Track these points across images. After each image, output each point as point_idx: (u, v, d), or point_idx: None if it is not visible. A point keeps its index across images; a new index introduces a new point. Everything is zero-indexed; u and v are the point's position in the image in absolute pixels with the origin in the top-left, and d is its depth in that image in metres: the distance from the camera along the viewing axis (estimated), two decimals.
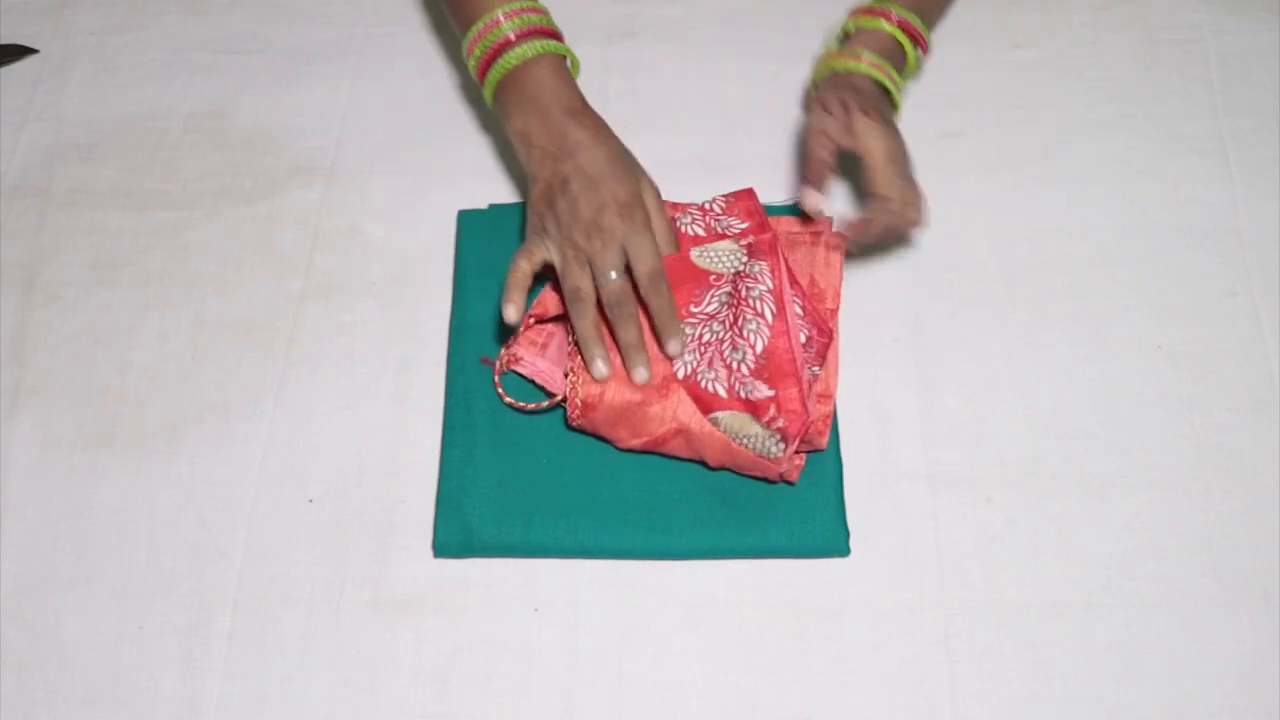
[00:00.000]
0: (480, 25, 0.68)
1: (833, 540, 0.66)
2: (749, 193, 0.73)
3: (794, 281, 0.67)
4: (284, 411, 0.72)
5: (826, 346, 0.66)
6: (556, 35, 0.70)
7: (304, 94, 0.85)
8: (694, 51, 0.86)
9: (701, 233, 0.70)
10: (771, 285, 0.65)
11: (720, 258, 0.68)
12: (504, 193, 0.79)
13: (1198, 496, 0.69)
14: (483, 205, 0.78)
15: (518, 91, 0.68)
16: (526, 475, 0.68)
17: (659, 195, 0.66)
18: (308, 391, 0.73)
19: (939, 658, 0.65)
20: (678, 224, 0.71)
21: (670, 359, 0.64)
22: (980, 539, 0.68)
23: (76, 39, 0.88)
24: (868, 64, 0.71)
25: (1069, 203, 0.79)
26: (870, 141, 0.66)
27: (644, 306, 0.64)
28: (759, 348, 0.64)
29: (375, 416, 0.72)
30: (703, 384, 0.64)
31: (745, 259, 0.68)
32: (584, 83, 0.82)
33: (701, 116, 0.83)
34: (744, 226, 0.71)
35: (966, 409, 0.71)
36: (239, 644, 0.65)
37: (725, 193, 0.73)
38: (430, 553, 0.67)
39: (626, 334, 0.63)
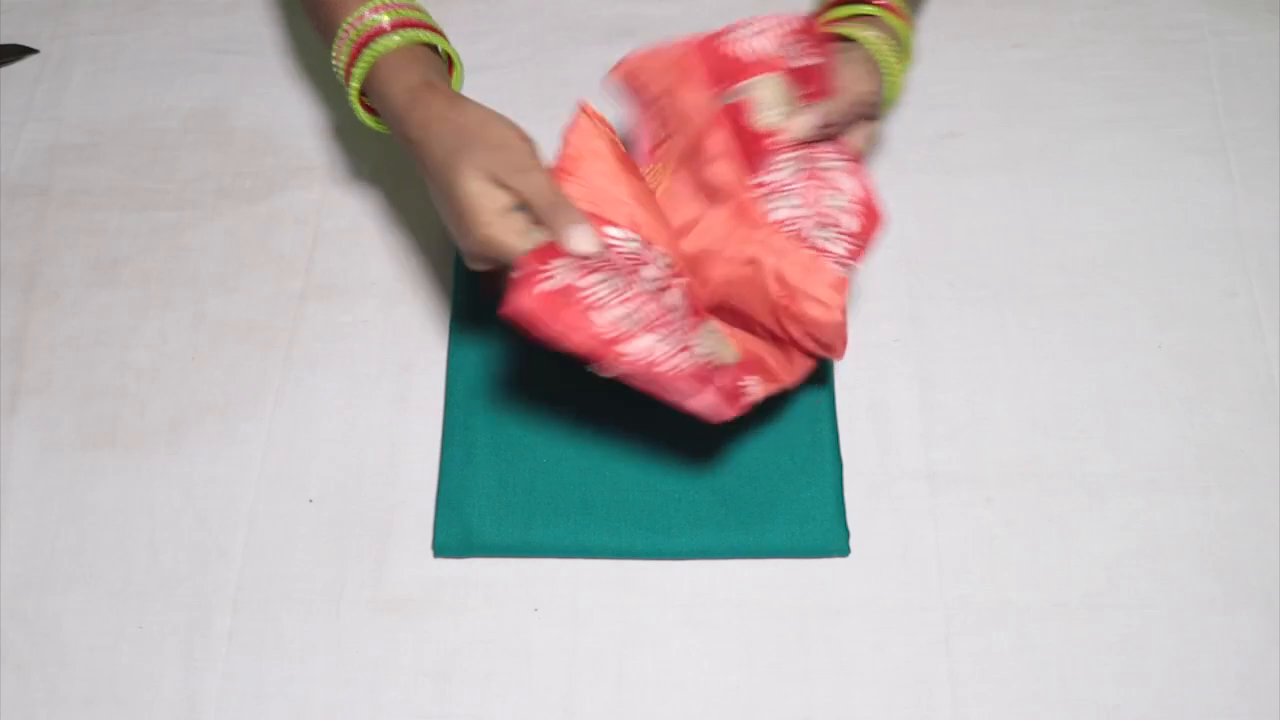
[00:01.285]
0: (348, 23, 0.61)
1: (832, 540, 0.66)
2: (812, 20, 0.60)
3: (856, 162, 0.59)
4: (284, 411, 0.72)
5: (873, 232, 0.58)
6: (433, 28, 0.63)
7: (304, 94, 0.85)
8: None
9: (770, 48, 0.58)
10: (851, 162, 0.58)
11: (784, 115, 0.58)
12: None
13: (1198, 496, 0.69)
14: None
15: (378, 102, 0.61)
16: (526, 475, 0.68)
17: (517, 150, 0.55)
18: (308, 391, 0.73)
19: (939, 658, 0.65)
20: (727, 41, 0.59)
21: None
22: (980, 539, 0.68)
23: (76, 39, 0.88)
24: (874, 38, 0.63)
25: (1069, 203, 0.79)
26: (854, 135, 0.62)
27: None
28: (853, 227, 0.57)
29: (375, 416, 0.72)
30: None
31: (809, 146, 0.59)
32: (584, 83, 0.82)
33: None
34: (817, 62, 0.59)
35: (966, 409, 0.71)
36: (239, 644, 0.65)
37: (801, 15, 0.60)
38: (430, 553, 0.67)
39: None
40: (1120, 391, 0.72)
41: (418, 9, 0.63)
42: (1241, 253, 0.77)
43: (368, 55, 0.60)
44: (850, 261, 0.57)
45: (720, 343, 0.58)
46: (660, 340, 0.52)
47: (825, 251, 0.57)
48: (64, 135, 0.84)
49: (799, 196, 0.57)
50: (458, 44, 0.66)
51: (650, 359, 0.50)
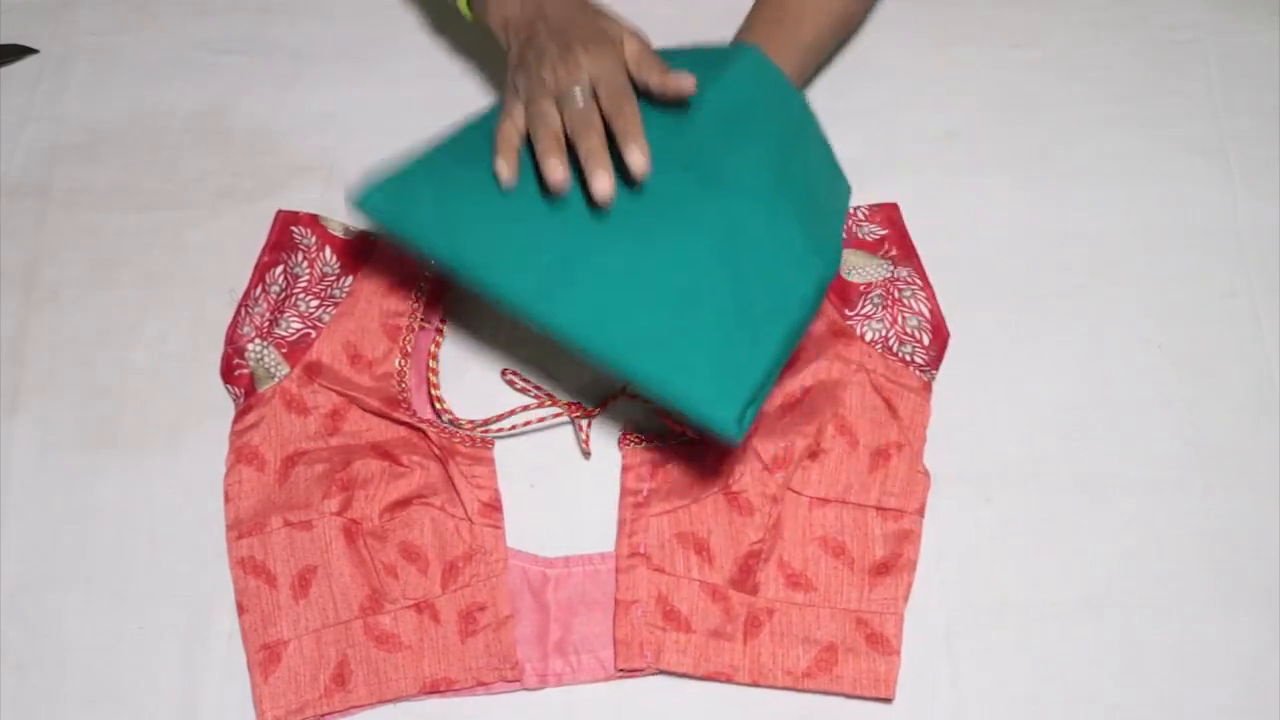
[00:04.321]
0: None
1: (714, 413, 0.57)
2: (893, 206, 0.75)
3: (925, 282, 0.73)
4: None
5: (943, 347, 0.71)
6: None
7: (304, 94, 0.85)
8: None
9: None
10: (922, 283, 0.72)
11: (868, 271, 0.72)
12: None
13: (1198, 496, 0.69)
14: None
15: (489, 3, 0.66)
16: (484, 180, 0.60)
17: (640, 34, 0.63)
18: None
19: (939, 658, 0.65)
20: None
21: (635, 173, 0.57)
22: (980, 539, 0.68)
23: (76, 39, 0.88)
24: None
25: (1069, 203, 0.79)
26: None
27: (608, 123, 0.58)
28: (925, 341, 0.70)
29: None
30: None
31: (891, 267, 0.72)
32: None
33: None
34: (883, 233, 0.74)
35: (966, 409, 0.71)
36: (239, 644, 0.65)
37: (870, 203, 0.76)
38: None
39: (585, 142, 0.57)
40: (1120, 391, 0.72)
41: None
42: (1241, 253, 0.77)
43: None
44: (930, 369, 0.70)
45: None
46: None
47: (910, 363, 0.69)
48: (64, 135, 0.84)
49: (882, 321, 0.70)
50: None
51: None
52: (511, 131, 0.60)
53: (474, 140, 0.63)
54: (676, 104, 0.61)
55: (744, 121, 0.64)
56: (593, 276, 0.59)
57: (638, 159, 0.56)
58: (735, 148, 0.63)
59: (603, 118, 0.58)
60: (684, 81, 0.59)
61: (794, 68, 0.70)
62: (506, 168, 0.58)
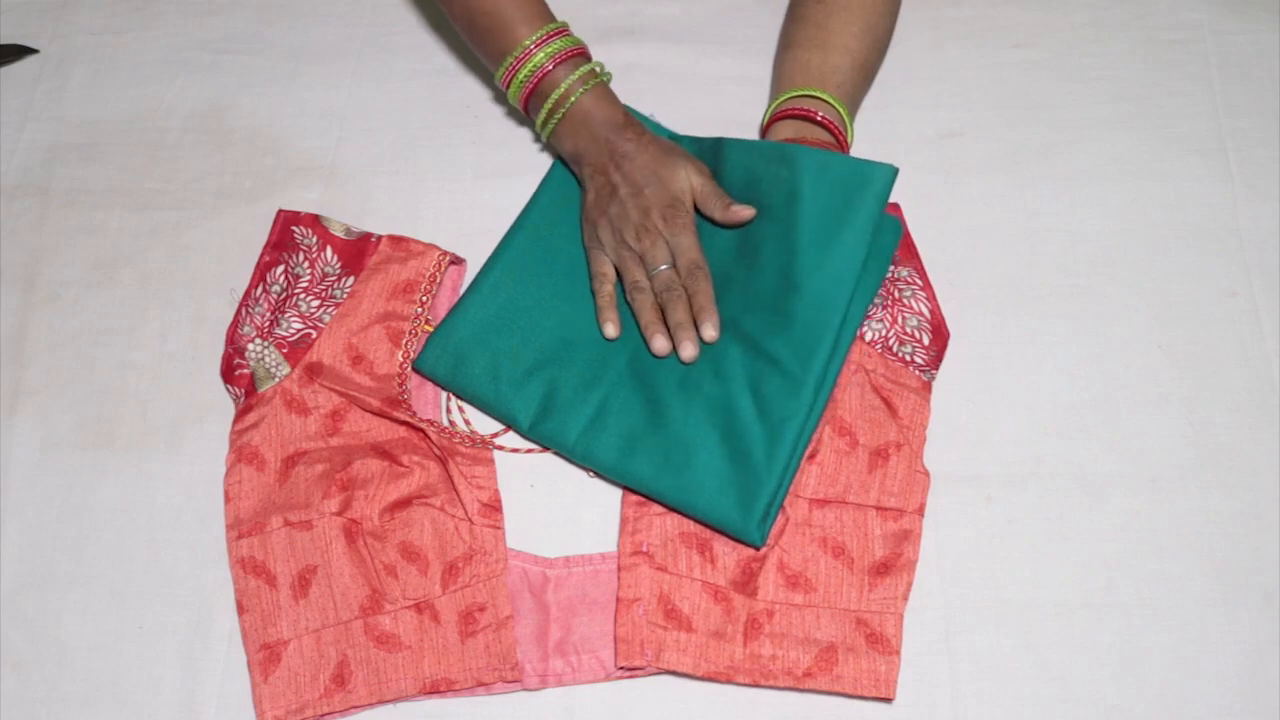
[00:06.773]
0: (514, 58, 0.71)
1: (738, 524, 0.63)
2: (894, 206, 0.75)
3: (925, 282, 0.72)
4: None
5: (943, 347, 0.71)
6: (585, 54, 0.73)
7: (304, 94, 0.85)
8: (694, 51, 0.86)
9: None
10: (922, 283, 0.72)
11: None
12: (504, 191, 0.79)
13: (1198, 496, 0.69)
14: (480, 205, 0.79)
15: (567, 118, 0.72)
16: (521, 335, 0.70)
17: (703, 172, 0.70)
18: None
19: (939, 658, 0.65)
20: None
21: (708, 342, 0.67)
22: (980, 539, 0.68)
23: (76, 39, 0.88)
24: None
25: (1069, 203, 0.79)
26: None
27: (689, 296, 0.68)
28: (925, 341, 0.70)
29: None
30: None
31: (892, 267, 0.72)
32: None
33: (701, 116, 0.83)
34: None
35: (966, 409, 0.71)
36: (239, 644, 0.65)
37: None
38: None
39: (674, 314, 0.67)
40: (1120, 391, 0.72)
41: (565, 32, 0.72)
42: (1241, 253, 0.77)
43: (553, 99, 0.71)
44: (931, 369, 0.70)
45: None
46: None
47: (910, 362, 0.70)
48: (64, 135, 0.84)
49: (882, 321, 0.70)
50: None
51: None
52: (610, 292, 0.70)
53: (513, 291, 0.72)
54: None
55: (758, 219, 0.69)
56: (626, 424, 0.66)
57: (711, 334, 0.66)
58: (748, 254, 0.69)
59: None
60: (744, 213, 0.69)
61: (853, 89, 0.75)
62: (614, 328, 0.69)
